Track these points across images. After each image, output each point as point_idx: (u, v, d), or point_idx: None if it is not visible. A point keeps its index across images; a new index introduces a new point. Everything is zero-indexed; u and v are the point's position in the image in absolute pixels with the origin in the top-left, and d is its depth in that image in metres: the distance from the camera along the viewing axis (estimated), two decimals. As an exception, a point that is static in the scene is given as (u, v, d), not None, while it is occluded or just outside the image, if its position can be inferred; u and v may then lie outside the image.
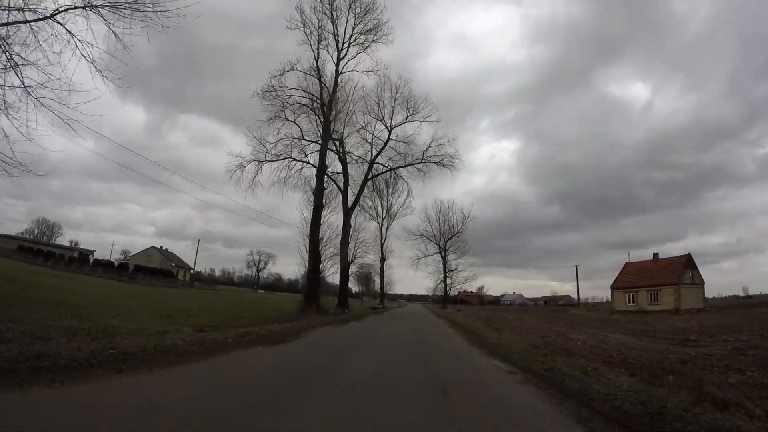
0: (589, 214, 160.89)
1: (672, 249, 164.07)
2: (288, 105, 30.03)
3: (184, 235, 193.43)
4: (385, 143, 38.69)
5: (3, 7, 9.44)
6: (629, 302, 56.56)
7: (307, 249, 28.87)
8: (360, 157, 38.71)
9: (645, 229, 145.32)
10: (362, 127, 37.60)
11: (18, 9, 9.54)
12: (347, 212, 36.74)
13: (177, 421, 4.28)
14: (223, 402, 5.09)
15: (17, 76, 9.72)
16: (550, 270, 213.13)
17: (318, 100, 30.40)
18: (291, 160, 30.98)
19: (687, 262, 54.33)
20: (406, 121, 38.44)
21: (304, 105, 30.60)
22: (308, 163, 31.17)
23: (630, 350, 13.09)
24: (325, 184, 30.78)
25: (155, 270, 65.51)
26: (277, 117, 29.87)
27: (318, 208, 28.71)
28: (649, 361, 10.43)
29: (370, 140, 39.09)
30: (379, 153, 38.87)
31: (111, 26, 10.41)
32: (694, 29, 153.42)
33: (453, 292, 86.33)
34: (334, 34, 31.16)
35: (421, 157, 39.10)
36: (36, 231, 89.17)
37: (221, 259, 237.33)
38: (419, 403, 5.63)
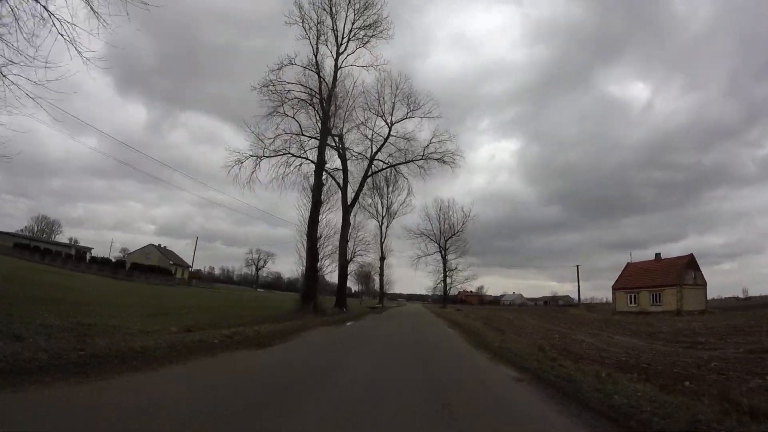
0: (589, 214, 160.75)
1: (672, 249, 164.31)
2: (287, 100, 29.54)
3: (185, 233, 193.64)
4: (386, 139, 38.17)
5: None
6: (631, 303, 55.95)
7: (305, 247, 28.29)
8: (360, 154, 38.24)
9: (645, 230, 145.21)
10: (362, 123, 37.05)
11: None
12: (346, 209, 36.17)
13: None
14: (187, 417, 4.45)
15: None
16: (549, 270, 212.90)
17: (317, 95, 29.88)
18: (290, 156, 30.48)
19: (689, 262, 53.73)
20: (406, 117, 37.88)
21: (302, 100, 30.10)
22: (307, 159, 30.69)
23: (639, 353, 12.59)
24: (323, 180, 30.22)
25: (152, 268, 64.87)
26: (276, 112, 29.37)
27: (316, 204, 28.13)
28: (661, 366, 9.92)
29: (370, 136, 38.61)
30: (379, 149, 38.36)
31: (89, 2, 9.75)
32: (694, 29, 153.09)
33: (453, 292, 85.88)
34: (333, 29, 30.70)
35: (421, 153, 38.63)
36: (35, 228, 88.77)
37: (221, 258, 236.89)
38: (418, 416, 5.11)
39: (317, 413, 4.88)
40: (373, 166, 38.68)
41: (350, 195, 37.00)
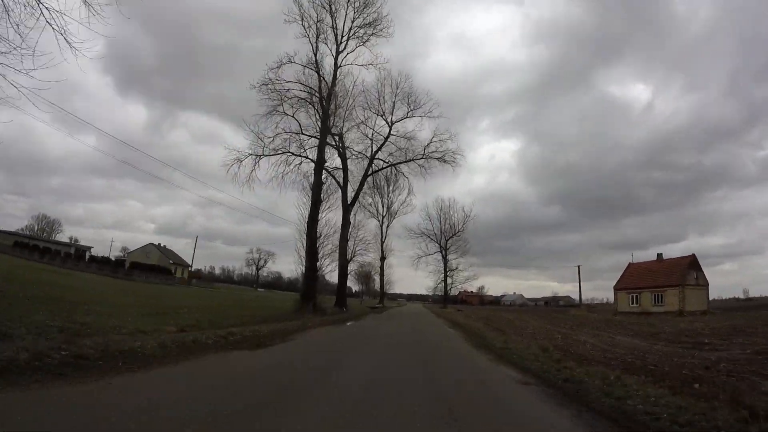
0: (590, 215, 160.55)
1: (672, 250, 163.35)
2: (286, 98, 29.34)
3: (185, 233, 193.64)
4: (386, 139, 37.99)
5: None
6: (632, 303, 55.65)
7: (304, 246, 28.02)
8: (360, 153, 38.07)
9: (645, 230, 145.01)
10: (362, 122, 36.90)
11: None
12: (346, 208, 35.95)
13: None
14: (168, 424, 4.19)
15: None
16: (550, 270, 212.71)
17: (317, 94, 29.65)
18: (289, 155, 30.30)
19: (691, 263, 53.41)
20: (406, 117, 37.72)
21: (302, 99, 29.92)
22: (307, 158, 30.50)
23: (644, 354, 12.31)
24: (323, 179, 29.99)
25: (152, 267, 64.60)
26: (276, 111, 29.20)
27: (316, 203, 27.89)
28: (668, 367, 9.66)
29: (370, 136, 38.45)
30: (379, 148, 38.18)
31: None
32: (694, 30, 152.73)
33: (453, 292, 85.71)
34: (333, 27, 30.48)
35: (422, 152, 38.43)
36: (36, 227, 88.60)
37: (221, 257, 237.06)
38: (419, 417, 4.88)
39: (313, 418, 4.67)
40: (373, 165, 38.58)
41: (350, 194, 36.89)
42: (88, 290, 25.10)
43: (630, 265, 61.76)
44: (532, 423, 4.87)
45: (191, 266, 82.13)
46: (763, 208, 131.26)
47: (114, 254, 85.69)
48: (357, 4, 30.66)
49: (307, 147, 30.71)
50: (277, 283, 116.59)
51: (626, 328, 27.09)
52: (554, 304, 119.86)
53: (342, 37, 30.68)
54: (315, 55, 29.47)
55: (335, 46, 30.51)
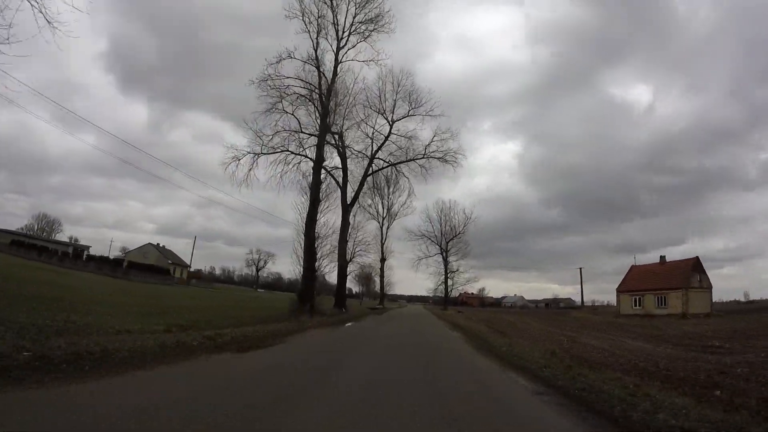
0: (591, 217, 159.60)
1: (673, 253, 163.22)
2: (285, 95, 28.72)
3: (184, 233, 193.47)
4: (386, 138, 37.36)
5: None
6: (635, 306, 55.09)
7: (302, 246, 27.46)
8: (360, 152, 37.43)
9: (646, 233, 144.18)
10: (362, 120, 36.22)
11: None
12: (346, 209, 35.37)
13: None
14: None
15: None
16: (551, 272, 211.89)
17: (316, 90, 29.07)
18: (288, 153, 29.70)
19: (695, 265, 52.87)
20: (408, 115, 37.01)
21: (302, 96, 29.29)
22: (306, 156, 29.85)
23: (655, 359, 11.78)
24: (322, 178, 29.42)
25: (150, 267, 64.05)
26: (275, 109, 28.55)
27: (314, 202, 27.27)
28: (683, 372, 9.14)
29: (370, 135, 37.81)
30: (379, 148, 37.55)
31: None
32: (696, 31, 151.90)
33: (454, 294, 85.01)
34: (334, 23, 29.83)
35: (423, 152, 37.79)
36: (36, 226, 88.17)
37: (221, 258, 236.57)
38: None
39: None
40: (373, 164, 37.95)
41: (350, 194, 36.26)
42: (82, 289, 24.66)
43: (633, 267, 61.26)
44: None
45: (190, 266, 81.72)
46: (765, 211, 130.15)
47: (113, 254, 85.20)
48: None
49: (306, 146, 30.14)
50: (277, 284, 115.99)
51: (631, 330, 26.62)
52: (555, 306, 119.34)
53: (343, 32, 30.08)
54: (315, 51, 28.89)
55: (336, 42, 29.90)
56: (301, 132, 29.88)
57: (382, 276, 70.82)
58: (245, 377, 6.62)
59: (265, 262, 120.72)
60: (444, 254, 73.75)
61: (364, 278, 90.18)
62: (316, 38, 28.88)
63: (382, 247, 61.73)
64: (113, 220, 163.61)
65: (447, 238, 73.17)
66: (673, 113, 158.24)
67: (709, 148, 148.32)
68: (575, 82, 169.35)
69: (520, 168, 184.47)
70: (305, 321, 19.03)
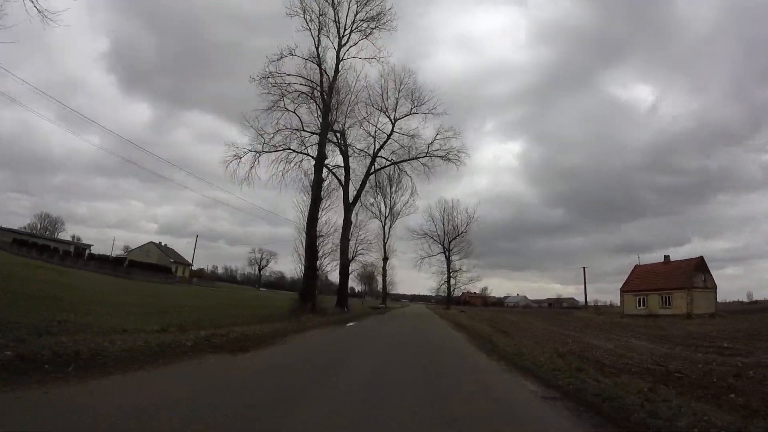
0: (593, 217, 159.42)
1: (676, 253, 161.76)
2: (287, 93, 28.46)
3: (187, 233, 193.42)
4: (389, 136, 37.10)
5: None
6: (639, 306, 54.69)
7: (304, 245, 27.17)
8: (362, 151, 37.17)
9: (648, 233, 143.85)
10: (364, 119, 35.99)
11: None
12: (348, 207, 35.10)
13: None
14: None
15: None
16: (553, 272, 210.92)
17: (318, 88, 28.80)
18: (290, 151, 29.47)
19: (699, 265, 52.44)
20: (410, 113, 36.75)
21: (303, 93, 29.03)
22: (308, 155, 29.61)
23: (664, 360, 11.46)
24: (324, 176, 29.17)
25: (152, 266, 63.75)
26: (276, 107, 28.33)
27: (316, 200, 27.00)
28: (695, 374, 8.82)
29: (372, 133, 37.51)
30: (382, 146, 37.29)
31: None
32: (697, 31, 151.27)
33: (456, 293, 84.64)
34: (335, 20, 29.62)
35: (425, 151, 37.49)
36: (39, 226, 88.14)
37: (224, 257, 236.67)
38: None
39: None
40: (375, 163, 37.69)
41: (352, 193, 36.00)
42: (82, 288, 24.43)
43: (636, 267, 60.84)
44: None
45: (192, 265, 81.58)
46: (767, 211, 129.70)
47: (116, 253, 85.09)
48: (360, -3, 29.84)
49: (308, 144, 29.92)
50: (279, 283, 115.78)
51: (636, 331, 26.26)
52: (558, 306, 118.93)
53: (344, 30, 29.86)
54: (317, 48, 28.67)
55: (337, 39, 29.68)
56: (303, 130, 29.68)
57: (384, 275, 70.74)
58: (240, 379, 6.33)
59: (268, 262, 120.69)
60: (447, 253, 73.46)
61: (367, 277, 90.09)
62: (318, 36, 28.71)
63: (384, 246, 61.67)
64: (116, 220, 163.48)
65: (450, 238, 72.92)
66: (675, 113, 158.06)
67: (711, 149, 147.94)
68: (577, 83, 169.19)
69: (521, 168, 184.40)
70: (306, 320, 18.74)
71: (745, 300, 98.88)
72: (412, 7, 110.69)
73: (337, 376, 6.74)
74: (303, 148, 29.76)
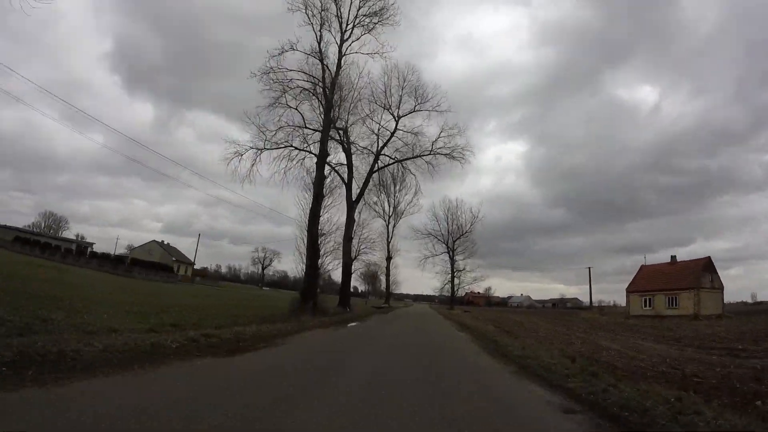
0: (595, 217, 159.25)
1: (678, 254, 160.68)
2: (289, 89, 28.00)
3: (191, 232, 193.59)
4: (392, 134, 36.65)
5: None
6: (645, 306, 53.95)
7: (305, 243, 26.70)
8: (365, 148, 36.68)
9: (650, 234, 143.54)
10: (367, 116, 35.45)
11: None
12: (351, 206, 34.66)
13: None
14: None
15: None
16: (555, 272, 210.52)
17: (320, 84, 28.32)
18: (292, 149, 29.04)
19: (706, 265, 51.71)
20: (414, 111, 36.26)
21: (305, 90, 28.57)
22: (310, 152, 29.14)
23: (679, 363, 10.95)
24: (326, 173, 28.73)
25: (153, 264, 63.37)
26: (278, 103, 27.86)
27: (317, 197, 26.47)
28: (715, 379, 8.32)
29: (376, 131, 37.07)
30: (385, 144, 36.83)
31: None
32: (701, 33, 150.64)
33: (460, 293, 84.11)
34: (337, 16, 29.10)
35: (430, 148, 37.00)
36: (43, 224, 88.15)
37: (228, 256, 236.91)
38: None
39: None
40: (379, 161, 37.21)
41: (355, 191, 35.58)
42: (80, 286, 24.10)
43: (642, 267, 60.11)
44: None
45: (194, 264, 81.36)
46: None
47: (119, 252, 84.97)
48: (363, -8, 29.30)
49: (310, 142, 29.44)
50: (282, 282, 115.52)
51: (643, 332, 25.71)
52: (562, 306, 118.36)
53: (347, 25, 29.32)
54: (319, 43, 28.14)
55: (339, 34, 29.15)
56: (306, 127, 29.21)
57: (387, 275, 70.21)
58: (224, 388, 5.65)
59: (271, 261, 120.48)
60: (450, 253, 72.84)
61: (370, 277, 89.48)
62: (320, 31, 28.18)
63: (388, 246, 61.25)
64: (120, 219, 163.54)
65: (454, 237, 72.28)
66: (677, 114, 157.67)
67: (714, 150, 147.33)
68: (580, 84, 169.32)
69: (524, 168, 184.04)
70: (306, 320, 18.25)
71: (749, 301, 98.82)
72: (416, 7, 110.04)
73: (333, 385, 6.18)
74: (305, 145, 29.37)
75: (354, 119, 33.77)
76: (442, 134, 36.94)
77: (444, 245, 72.80)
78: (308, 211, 26.77)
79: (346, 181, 34.64)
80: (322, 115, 28.57)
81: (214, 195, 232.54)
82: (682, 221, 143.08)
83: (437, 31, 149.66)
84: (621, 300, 77.02)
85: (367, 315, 32.40)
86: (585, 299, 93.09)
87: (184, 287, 49.12)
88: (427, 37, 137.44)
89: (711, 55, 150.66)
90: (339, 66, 28.97)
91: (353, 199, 35.03)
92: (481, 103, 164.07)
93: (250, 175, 27.75)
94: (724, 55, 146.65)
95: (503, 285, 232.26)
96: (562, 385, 6.70)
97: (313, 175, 27.63)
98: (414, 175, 39.92)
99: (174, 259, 78.83)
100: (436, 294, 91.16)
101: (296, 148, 29.14)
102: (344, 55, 29.35)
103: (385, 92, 36.06)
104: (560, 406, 5.51)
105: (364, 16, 29.52)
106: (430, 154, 37.07)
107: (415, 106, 36.11)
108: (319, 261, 27.54)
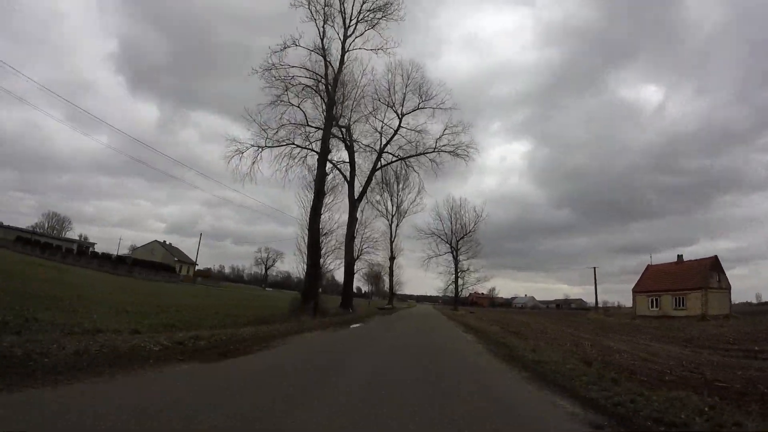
0: (598, 217, 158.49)
1: (682, 254, 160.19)
2: (291, 86, 27.59)
3: (194, 232, 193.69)
4: (395, 131, 36.16)
5: None
6: (652, 306, 53.21)
7: (306, 242, 26.19)
8: (368, 146, 36.24)
9: (654, 234, 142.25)
10: (370, 113, 34.96)
11: None
12: (353, 204, 34.17)
13: None
14: None
15: None
16: (558, 273, 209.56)
17: (323, 80, 27.85)
18: (294, 146, 28.68)
19: (713, 264, 50.95)
20: (417, 108, 35.74)
21: (308, 86, 28.14)
22: (312, 150, 28.77)
23: (697, 366, 10.41)
24: (328, 170, 28.29)
25: (154, 264, 62.96)
26: (280, 101, 27.52)
27: (319, 194, 25.94)
28: (739, 384, 7.77)
29: (379, 128, 36.56)
30: (388, 141, 36.35)
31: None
32: (704, 33, 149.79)
33: (464, 294, 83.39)
34: (341, 11, 28.66)
35: (433, 146, 36.48)
36: (46, 225, 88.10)
37: (231, 257, 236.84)
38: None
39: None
40: (382, 159, 36.72)
41: (358, 189, 35.12)
42: (80, 286, 23.78)
43: (648, 267, 59.34)
44: None
45: (196, 264, 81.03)
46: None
47: (123, 252, 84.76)
48: (366, -12, 28.79)
49: (313, 140, 29.14)
50: (286, 283, 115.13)
51: (653, 333, 25.14)
52: (566, 307, 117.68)
53: (350, 20, 28.87)
54: (322, 40, 27.66)
55: (343, 30, 28.68)
56: (308, 125, 28.83)
57: (391, 275, 69.52)
58: (206, 396, 5.03)
59: (274, 261, 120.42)
60: (454, 253, 72.19)
61: (373, 277, 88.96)
62: (323, 27, 27.73)
63: (391, 245, 60.61)
64: (123, 219, 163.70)
65: (457, 237, 71.63)
66: (680, 114, 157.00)
67: (718, 150, 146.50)
68: (584, 84, 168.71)
69: (528, 168, 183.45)
70: (306, 321, 17.71)
71: (754, 301, 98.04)
72: (420, 7, 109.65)
73: (331, 389, 5.62)
74: (308, 143, 29.02)
75: (357, 117, 33.42)
76: (446, 131, 36.47)
77: (447, 245, 72.25)
78: (309, 209, 26.33)
79: (349, 178, 34.23)
80: (325, 113, 28.14)
81: (219, 196, 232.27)
82: (686, 221, 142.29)
83: (442, 32, 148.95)
84: (625, 300, 76.41)
85: (369, 316, 31.84)
86: (588, 300, 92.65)
87: (184, 287, 48.74)
88: (431, 37, 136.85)
89: (715, 55, 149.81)
90: (342, 62, 28.54)
91: (355, 198, 34.56)
92: (485, 103, 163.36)
93: (251, 173, 27.47)
94: (727, 54, 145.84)
95: (507, 285, 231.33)
96: (583, 394, 6.02)
97: (315, 172, 27.19)
98: (417, 173, 39.48)
99: (176, 259, 78.53)
100: (440, 294, 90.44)
101: (298, 146, 28.87)
102: (347, 51, 28.95)
103: (389, 90, 35.60)
104: (586, 421, 4.83)
105: (368, 11, 29.10)
106: (433, 151, 36.61)
107: (419, 103, 35.65)
108: (321, 260, 27.05)
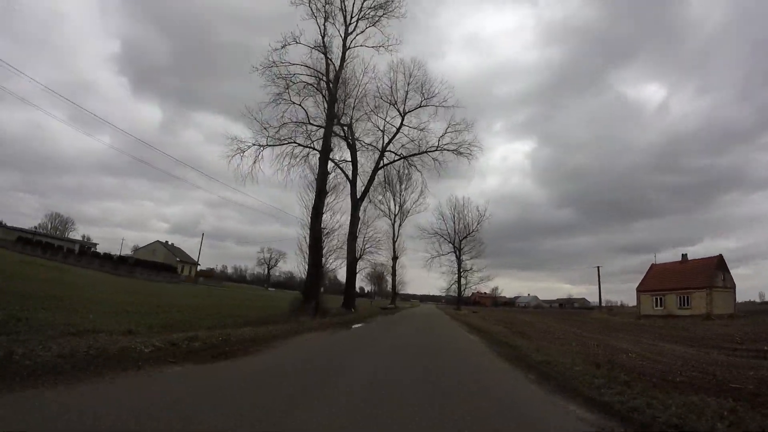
0: (600, 217, 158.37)
1: (686, 253, 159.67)
2: (292, 84, 27.37)
3: (196, 232, 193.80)
4: (398, 130, 35.82)
5: None
6: (656, 306, 52.85)
7: (307, 241, 25.95)
8: (370, 144, 35.93)
9: (656, 233, 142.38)
10: (372, 111, 34.62)
11: None
12: (356, 203, 33.90)
13: None
14: None
15: None
16: (561, 272, 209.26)
17: (324, 78, 27.62)
18: (295, 145, 28.45)
19: (718, 263, 50.48)
20: (420, 106, 35.39)
21: (309, 84, 27.93)
22: (314, 148, 28.53)
23: (706, 366, 10.14)
24: (330, 169, 28.02)
25: (156, 264, 62.83)
26: (281, 99, 27.29)
27: (320, 193, 25.67)
28: (752, 385, 7.50)
29: (381, 127, 36.20)
30: (390, 140, 35.99)
31: None
32: (707, 32, 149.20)
33: (467, 293, 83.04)
34: (341, 8, 28.44)
35: (436, 145, 36.14)
36: (49, 226, 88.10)
37: (234, 257, 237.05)
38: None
39: None
40: (384, 157, 36.36)
41: (360, 188, 34.84)
42: (80, 286, 23.69)
43: (653, 266, 58.95)
44: None
45: (198, 264, 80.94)
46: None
47: (125, 253, 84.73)
48: (367, -16, 28.56)
49: (314, 139, 28.92)
50: (288, 283, 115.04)
51: (659, 333, 24.87)
52: (569, 306, 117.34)
53: (351, 18, 28.65)
54: (323, 37, 27.40)
55: (344, 27, 28.44)
56: (309, 124, 28.59)
57: (394, 275, 69.34)
58: (195, 402, 4.72)
59: (277, 261, 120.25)
60: (457, 252, 71.84)
61: (376, 277, 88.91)
62: (324, 24, 27.49)
63: (394, 245, 60.53)
64: (126, 220, 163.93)
65: (460, 237, 71.28)
66: (683, 113, 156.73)
67: (721, 149, 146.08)
68: (586, 83, 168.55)
69: (530, 168, 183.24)
70: (306, 322, 17.46)
71: (758, 300, 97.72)
72: (422, 7, 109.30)
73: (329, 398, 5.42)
74: (309, 142, 28.79)
75: (359, 115, 33.17)
76: (449, 130, 36.09)
77: (450, 245, 71.94)
78: (311, 209, 26.08)
79: (351, 178, 33.95)
80: (326, 110, 27.90)
81: (221, 196, 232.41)
82: (688, 220, 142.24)
83: (443, 31, 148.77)
84: (628, 300, 76.01)
85: (372, 316, 31.56)
86: (591, 299, 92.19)
87: (186, 288, 48.60)
88: (433, 37, 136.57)
89: (717, 54, 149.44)
90: (343, 59, 28.34)
91: (358, 197, 34.29)
92: (487, 103, 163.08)
93: (253, 173, 27.24)
94: (728, 54, 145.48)
95: (510, 285, 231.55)
96: (596, 398, 5.67)
97: (316, 170, 26.93)
98: (420, 172, 39.07)
99: (178, 259, 78.44)
100: (443, 294, 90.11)
101: (299, 145, 28.63)
102: (348, 48, 28.72)
103: (391, 88, 35.31)
104: (600, 426, 4.51)
105: (370, 8, 28.87)
106: (436, 150, 36.21)
107: (422, 101, 35.30)
108: (323, 260, 26.77)
